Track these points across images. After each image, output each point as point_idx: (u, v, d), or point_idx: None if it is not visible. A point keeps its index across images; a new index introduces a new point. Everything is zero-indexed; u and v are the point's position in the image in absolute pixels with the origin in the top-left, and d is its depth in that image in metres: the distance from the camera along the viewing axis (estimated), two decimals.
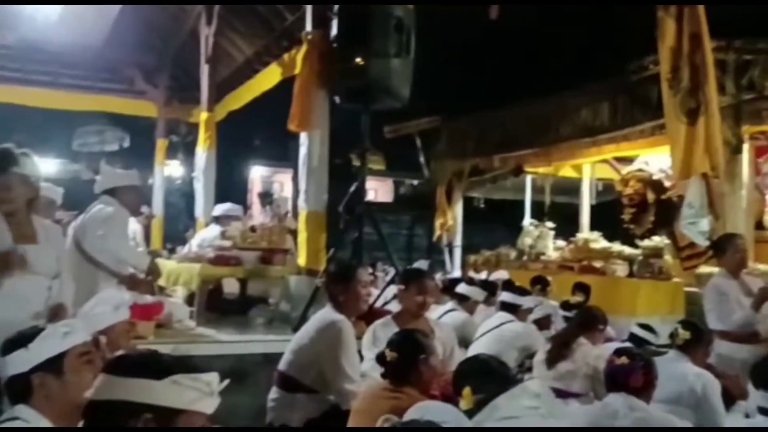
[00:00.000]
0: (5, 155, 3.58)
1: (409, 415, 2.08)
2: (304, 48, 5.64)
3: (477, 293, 5.81)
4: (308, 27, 5.76)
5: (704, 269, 7.74)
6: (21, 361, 2.02)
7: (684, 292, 7.53)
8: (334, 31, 5.33)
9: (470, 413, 2.19)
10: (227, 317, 5.51)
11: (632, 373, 2.86)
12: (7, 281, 3.42)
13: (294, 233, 6.06)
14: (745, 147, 7.60)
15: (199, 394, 1.59)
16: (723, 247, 5.07)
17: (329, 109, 5.63)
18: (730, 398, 3.69)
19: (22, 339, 2.07)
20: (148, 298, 4.37)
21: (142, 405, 1.52)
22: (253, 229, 5.94)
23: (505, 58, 11.05)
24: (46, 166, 14.33)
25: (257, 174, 16.41)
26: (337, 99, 5.52)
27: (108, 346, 2.66)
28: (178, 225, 11.06)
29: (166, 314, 4.48)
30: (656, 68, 7.13)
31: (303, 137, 5.59)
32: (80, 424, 1.93)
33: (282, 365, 3.59)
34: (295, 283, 5.39)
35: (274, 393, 3.57)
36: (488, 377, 2.28)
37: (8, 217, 3.54)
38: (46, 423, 1.98)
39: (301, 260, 5.53)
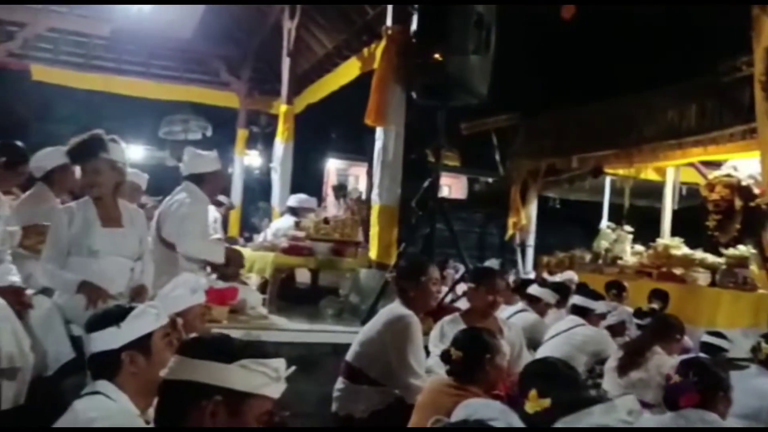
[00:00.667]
0: (96, 141, 3.77)
1: (458, 413, 2.07)
2: (383, 43, 5.68)
3: (549, 295, 5.73)
4: (388, 22, 5.78)
5: None
6: (111, 338, 2.10)
7: None
8: (413, 26, 5.33)
9: (539, 416, 2.16)
10: (298, 306, 5.62)
11: (685, 392, 2.74)
12: (95, 262, 3.61)
13: (365, 221, 6.12)
14: None
15: (266, 379, 1.64)
16: None
17: (406, 105, 5.63)
18: None
19: (112, 317, 2.16)
20: (223, 284, 4.51)
21: (213, 387, 1.57)
22: (326, 220, 6.03)
23: (587, 55, 10.74)
24: (134, 152, 15.00)
25: (333, 166, 16.62)
26: (414, 95, 5.53)
27: (184, 327, 2.76)
28: (255, 214, 11.34)
29: (240, 300, 4.60)
30: (749, 70, 6.80)
31: (379, 132, 5.63)
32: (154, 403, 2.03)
33: (349, 356, 3.64)
34: (365, 276, 5.44)
35: (340, 383, 3.62)
36: (556, 381, 2.24)
37: (96, 200, 3.73)
38: (125, 399, 2.07)
39: (372, 254, 5.58)
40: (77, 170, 3.97)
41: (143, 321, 2.14)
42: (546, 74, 9.65)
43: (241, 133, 11.18)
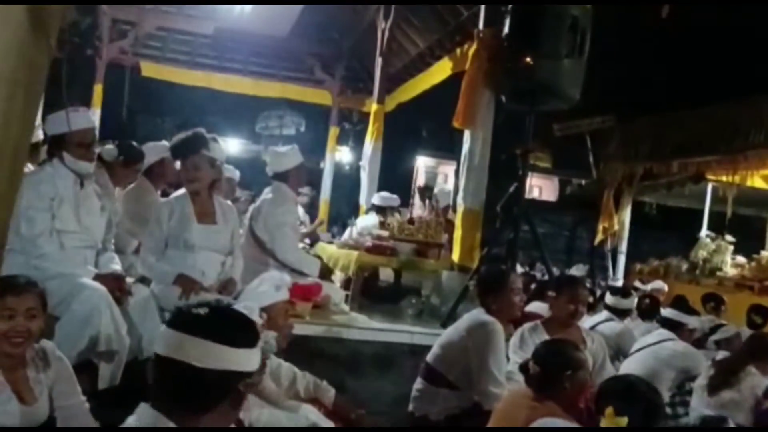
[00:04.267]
0: (198, 138, 3.99)
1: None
2: (474, 45, 5.64)
3: (624, 303, 5.54)
4: (480, 25, 5.74)
5: None
6: None
7: None
8: (506, 29, 5.26)
9: None
10: (380, 304, 5.69)
11: None
12: (190, 256, 3.82)
13: (451, 226, 6.11)
14: None
15: (253, 353, 1.62)
16: None
17: (494, 108, 5.58)
18: None
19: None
20: (309, 280, 4.64)
21: (245, 374, 1.58)
22: (411, 221, 6.07)
23: (687, 57, 10.25)
24: (231, 145, 15.60)
25: (422, 164, 16.64)
26: (503, 98, 5.47)
27: (267, 323, 2.87)
28: (345, 209, 11.55)
29: (323, 296, 4.72)
30: None
31: (466, 134, 5.61)
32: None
33: (429, 358, 3.66)
34: (446, 279, 5.44)
35: (419, 384, 3.65)
36: (634, 400, 2.19)
37: (194, 195, 3.94)
38: None
39: (455, 256, 5.56)
40: (176, 164, 4.19)
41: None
42: (644, 77, 9.29)
43: (333, 130, 11.40)
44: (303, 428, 2.69)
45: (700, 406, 4.09)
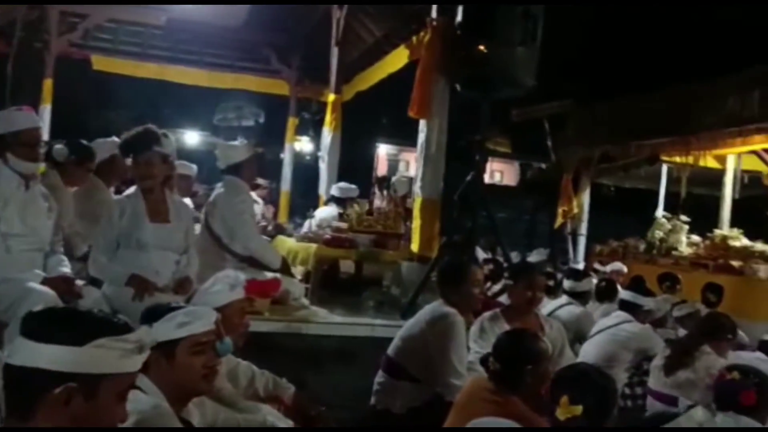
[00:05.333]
0: (150, 134, 3.91)
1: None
2: (427, 35, 5.62)
3: (581, 286, 5.61)
4: (434, 13, 5.71)
5: None
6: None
7: None
8: (459, 17, 5.24)
9: (569, 423, 2.13)
10: (341, 297, 5.67)
11: (743, 390, 2.65)
12: (143, 255, 3.74)
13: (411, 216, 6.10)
14: None
15: (125, 353, 1.52)
16: None
17: (450, 97, 5.57)
18: None
19: (151, 315, 2.22)
20: (267, 275, 4.59)
21: (64, 374, 1.46)
22: (370, 212, 6.06)
23: (642, 41, 10.41)
24: (189, 138, 15.36)
25: (383, 152, 16.59)
26: (457, 86, 5.46)
27: (222, 323, 2.81)
28: (306, 201, 11.45)
29: (282, 291, 4.68)
30: None
31: (422, 124, 5.59)
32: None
33: (391, 351, 3.66)
34: (406, 269, 5.45)
35: (380, 377, 3.65)
36: (587, 388, 2.20)
37: (146, 193, 3.85)
38: (158, 393, 2.13)
39: (414, 247, 5.57)
40: (127, 161, 4.09)
41: (168, 327, 2.17)
42: (599, 62, 9.39)
43: (292, 121, 11.29)
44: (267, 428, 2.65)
45: (656, 386, 4.16)
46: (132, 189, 3.92)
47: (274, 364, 3.21)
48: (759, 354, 4.54)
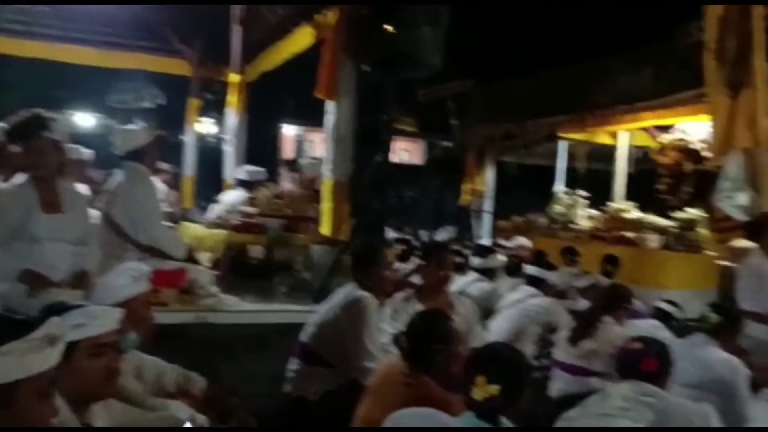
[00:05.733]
0: (36, 120, 3.65)
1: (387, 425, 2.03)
2: (334, 15, 5.53)
3: (489, 263, 5.79)
4: None
5: (739, 243, 7.56)
6: None
7: (717, 266, 7.38)
8: None
9: (486, 403, 2.16)
10: (251, 283, 5.55)
11: (645, 358, 2.79)
12: (36, 248, 3.50)
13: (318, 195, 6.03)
14: None
15: (34, 352, 1.47)
16: (760, 226, 4.93)
17: (357, 77, 5.52)
18: (756, 384, 3.62)
19: (44, 314, 2.08)
20: (172, 264, 4.41)
21: None
22: (279, 195, 5.95)
23: (543, 22, 10.72)
24: (83, 120, 14.56)
25: (289, 133, 16.30)
26: (365, 68, 5.42)
27: (127, 318, 2.68)
28: (211, 184, 11.12)
29: (189, 280, 4.52)
30: (700, 35, 6.86)
31: (330, 105, 5.52)
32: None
33: (304, 337, 3.62)
34: (317, 253, 5.41)
35: (294, 364, 3.61)
36: (502, 367, 2.24)
37: (38, 182, 3.61)
38: (60, 400, 2.00)
39: (325, 229, 5.52)
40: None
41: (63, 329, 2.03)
42: (502, 40, 9.61)
43: (193, 102, 10.87)
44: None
45: (562, 357, 4.33)
46: (22, 178, 3.65)
47: (183, 357, 3.10)
48: (653, 321, 4.78)
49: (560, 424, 1.86)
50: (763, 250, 4.82)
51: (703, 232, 8.15)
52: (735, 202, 6.82)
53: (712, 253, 7.65)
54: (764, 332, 4.39)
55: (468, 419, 2.24)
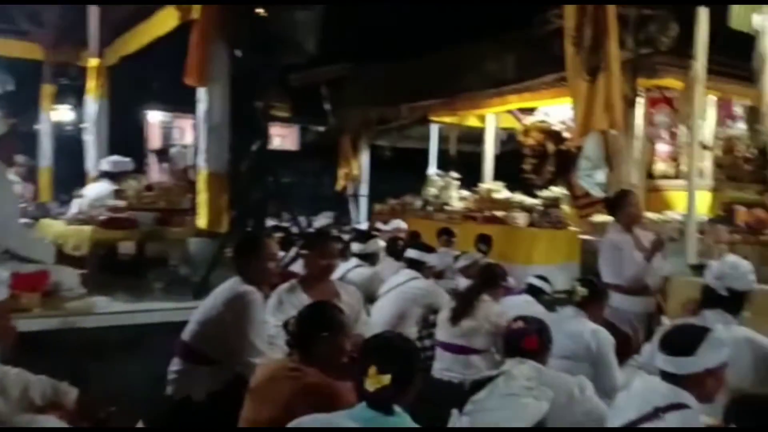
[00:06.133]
0: None
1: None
2: None
3: (369, 248, 5.84)
4: None
5: (598, 218, 8.11)
6: None
7: (579, 240, 7.86)
8: None
9: (380, 393, 2.16)
10: (122, 281, 5.24)
11: (527, 336, 2.92)
12: None
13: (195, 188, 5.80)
14: (640, 100, 7.89)
15: None
16: (617, 202, 5.23)
17: (230, 61, 5.32)
18: (624, 353, 3.89)
19: None
20: (32, 266, 4.07)
21: None
22: (149, 187, 5.66)
23: (414, 8, 10.88)
24: None
25: (156, 120, 15.52)
26: (237, 52, 5.23)
27: None
28: (71, 176, 10.39)
29: (52, 283, 4.19)
30: (559, 22, 7.23)
31: (201, 92, 5.28)
32: None
33: (186, 335, 3.46)
34: (195, 246, 5.20)
35: (176, 364, 3.45)
36: (392, 356, 2.25)
37: None
38: None
39: (202, 222, 5.30)
40: None
41: None
42: (374, 26, 9.65)
43: (47, 89, 10.08)
44: None
45: (444, 337, 4.43)
46: None
47: (51, 367, 2.87)
48: (526, 296, 4.99)
49: (469, 406, 1.90)
50: (620, 224, 5.11)
51: (566, 208, 8.67)
52: (594, 179, 7.28)
53: (574, 229, 8.16)
54: (624, 302, 4.67)
55: (360, 410, 2.23)
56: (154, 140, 14.66)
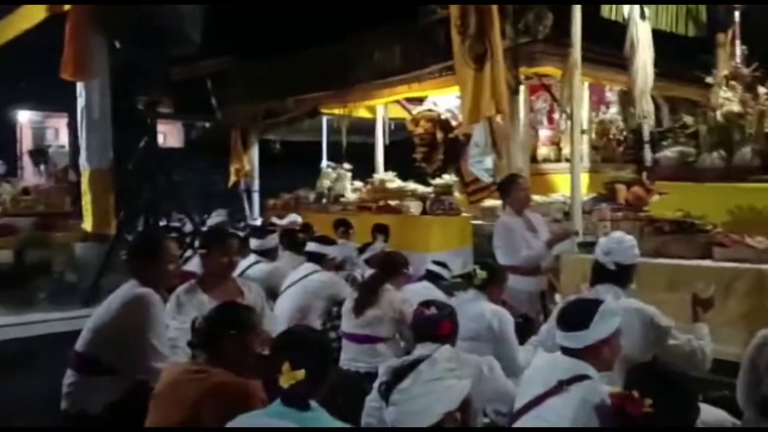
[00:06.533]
0: None
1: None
2: None
3: (266, 243, 5.77)
4: None
5: (488, 203, 8.38)
6: None
7: (471, 225, 8.09)
8: None
9: (295, 389, 2.13)
10: (1, 292, 4.87)
11: (441, 321, 2.98)
12: None
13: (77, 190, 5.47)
14: (521, 88, 8.19)
15: None
16: (507, 187, 5.44)
17: (109, 54, 5.04)
18: (522, 332, 4.05)
19: None
20: None
21: None
22: (26, 191, 5.28)
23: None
24: None
25: (26, 121, 14.49)
26: (117, 44, 4.97)
27: None
28: None
29: None
30: (443, 12, 7.37)
31: (80, 87, 4.98)
32: None
33: (79, 345, 3.27)
34: (81, 251, 4.90)
35: (70, 377, 3.25)
36: (304, 351, 2.22)
37: None
38: None
39: (88, 224, 5.01)
40: None
41: None
42: (260, 17, 9.44)
43: None
44: None
45: (349, 328, 4.43)
46: None
47: None
48: (425, 283, 5.08)
49: (396, 396, 1.90)
50: (511, 207, 5.31)
51: (457, 195, 8.89)
52: (483, 165, 7.52)
53: (467, 214, 8.38)
54: (518, 282, 4.85)
55: (276, 408, 2.20)
56: (27, 142, 13.71)
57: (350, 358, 4.35)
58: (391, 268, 4.64)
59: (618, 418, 2.13)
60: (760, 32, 6.25)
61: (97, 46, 4.94)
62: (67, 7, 5.00)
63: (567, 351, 2.65)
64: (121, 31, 4.88)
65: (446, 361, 1.97)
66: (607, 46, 7.11)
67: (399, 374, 1.92)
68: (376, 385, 3.33)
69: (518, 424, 2.59)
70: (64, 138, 11.69)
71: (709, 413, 2.93)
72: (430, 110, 10.03)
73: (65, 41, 4.88)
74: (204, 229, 5.76)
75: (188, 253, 5.11)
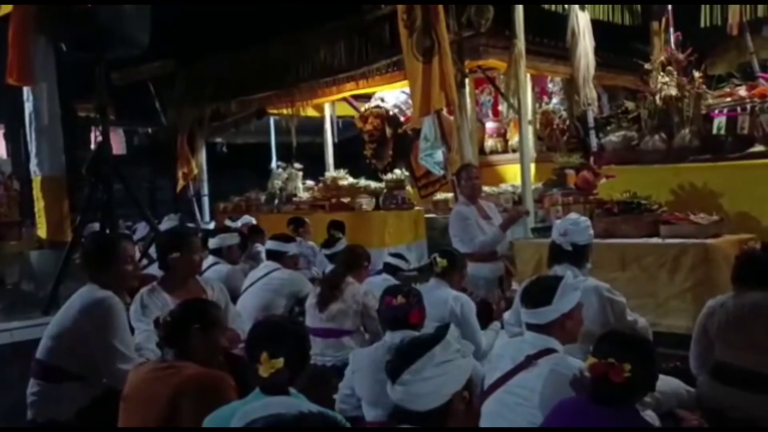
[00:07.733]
0: None
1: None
2: None
3: (224, 243, 5.76)
4: None
5: (439, 196, 8.50)
6: None
7: (424, 218, 8.20)
8: None
9: (275, 378, 2.15)
10: None
11: (412, 310, 3.06)
12: None
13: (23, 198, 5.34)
14: (467, 81, 8.32)
15: None
16: (459, 177, 5.56)
17: (56, 59, 4.93)
18: (483, 316, 4.15)
19: None
20: None
21: None
22: None
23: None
24: None
25: None
26: (63, 47, 4.86)
27: None
28: None
29: None
30: (387, 8, 7.44)
31: (26, 93, 4.85)
32: None
33: (41, 354, 3.20)
34: (37, 259, 4.78)
35: (33, 386, 3.18)
36: (281, 339, 2.25)
37: None
38: None
39: (42, 232, 4.89)
40: None
41: None
42: (201, 18, 9.30)
43: None
44: None
45: (313, 323, 4.45)
46: None
47: None
48: (384, 275, 5.14)
49: (406, 376, 1.93)
50: (464, 197, 5.43)
51: (409, 189, 8.99)
52: (433, 159, 7.62)
53: (419, 208, 8.49)
54: (475, 269, 4.95)
55: (255, 397, 2.22)
56: None
57: (316, 352, 4.34)
58: (354, 261, 4.69)
59: (596, 386, 2.21)
60: (692, 19, 6.54)
61: (42, 50, 4.83)
62: (6, 10, 4.86)
63: (532, 327, 2.75)
64: (64, 33, 4.77)
65: (456, 343, 2.03)
66: (548, 38, 7.30)
67: (407, 355, 1.96)
68: (347, 372, 3.40)
69: (489, 401, 2.68)
70: (2, 150, 11.28)
71: (665, 382, 3.07)
72: (377, 107, 10.11)
73: (9, 45, 4.74)
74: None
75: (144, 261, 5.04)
